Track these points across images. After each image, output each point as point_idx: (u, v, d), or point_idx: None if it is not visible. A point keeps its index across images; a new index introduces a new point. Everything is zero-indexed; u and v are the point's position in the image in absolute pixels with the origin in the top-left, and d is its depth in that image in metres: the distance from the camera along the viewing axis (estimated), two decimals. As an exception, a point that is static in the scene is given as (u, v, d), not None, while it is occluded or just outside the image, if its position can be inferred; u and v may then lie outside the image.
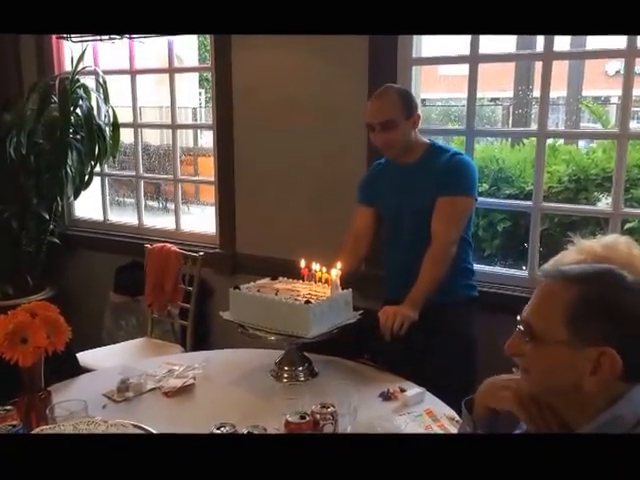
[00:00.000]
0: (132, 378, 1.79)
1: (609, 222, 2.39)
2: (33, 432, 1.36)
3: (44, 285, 3.41)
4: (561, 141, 4.03)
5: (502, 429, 1.18)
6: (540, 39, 2.67)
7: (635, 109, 3.27)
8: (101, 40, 3.25)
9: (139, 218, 3.61)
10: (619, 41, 2.29)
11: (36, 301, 1.88)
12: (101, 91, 3.32)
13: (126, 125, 3.51)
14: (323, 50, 2.68)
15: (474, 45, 2.47)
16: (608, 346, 0.94)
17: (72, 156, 3.21)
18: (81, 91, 3.23)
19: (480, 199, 2.32)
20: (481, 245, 3.31)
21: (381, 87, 2.22)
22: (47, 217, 3.33)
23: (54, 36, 3.49)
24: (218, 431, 1.38)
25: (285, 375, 1.91)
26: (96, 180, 3.52)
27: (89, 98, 3.26)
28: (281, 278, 2.11)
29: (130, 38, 3.20)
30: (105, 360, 2.63)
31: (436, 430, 1.57)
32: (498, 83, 8.38)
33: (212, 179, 3.23)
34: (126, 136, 3.74)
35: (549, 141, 2.83)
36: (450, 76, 7.80)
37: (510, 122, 8.39)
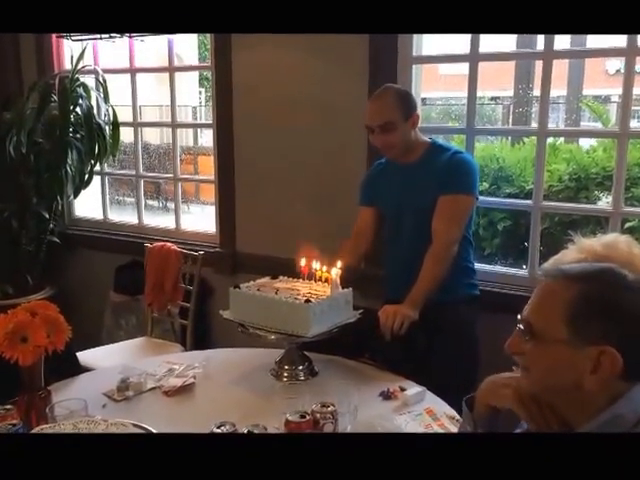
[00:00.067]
0: (132, 377, 1.79)
1: (609, 221, 2.38)
2: (33, 431, 1.36)
3: (44, 284, 3.41)
4: (561, 140, 4.03)
5: (502, 427, 1.18)
6: (540, 38, 2.67)
7: (635, 108, 3.26)
8: (101, 39, 3.24)
9: (139, 217, 3.60)
10: (619, 40, 2.29)
11: (36, 300, 1.87)
12: (101, 90, 3.32)
13: (126, 124, 3.51)
14: (323, 49, 2.68)
15: (474, 44, 2.46)
16: (608, 345, 0.94)
17: (72, 155, 3.21)
18: (81, 90, 3.23)
19: (480, 198, 2.31)
20: (481, 244, 3.31)
21: (380, 88, 2.22)
22: (47, 216, 3.33)
23: (54, 35, 3.49)
24: (218, 430, 1.38)
25: (285, 374, 1.91)
26: (96, 179, 3.51)
27: (89, 97, 3.26)
28: (281, 277, 2.11)
29: (130, 37, 3.20)
30: (105, 359, 2.63)
31: (436, 429, 1.57)
32: (498, 82, 8.38)
33: (212, 178, 3.23)
34: (126, 135, 3.74)
35: (549, 140, 2.83)
36: (450, 75, 7.79)
37: (510, 121, 8.38)
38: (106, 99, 3.31)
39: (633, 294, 0.97)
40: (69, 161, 3.21)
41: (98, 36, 3.18)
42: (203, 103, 10.30)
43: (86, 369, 2.22)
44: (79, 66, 3.26)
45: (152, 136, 6.17)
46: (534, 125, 2.73)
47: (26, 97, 3.21)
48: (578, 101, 8.24)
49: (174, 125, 3.43)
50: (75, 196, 3.45)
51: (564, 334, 0.97)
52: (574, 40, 5.63)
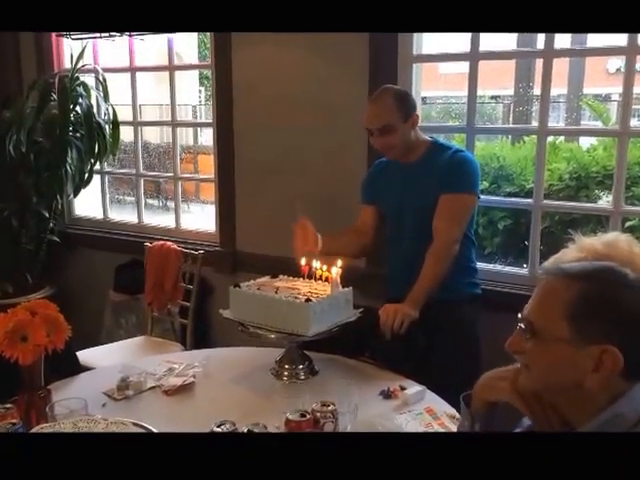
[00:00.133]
0: (132, 376, 1.79)
1: (610, 220, 2.38)
2: (33, 430, 1.35)
3: (44, 283, 3.41)
4: (562, 139, 4.03)
5: (500, 423, 1.18)
6: (541, 36, 2.67)
7: (636, 107, 3.26)
8: (101, 38, 3.24)
9: (139, 216, 3.60)
10: (620, 39, 2.28)
11: (36, 299, 1.87)
12: (101, 89, 3.31)
13: (126, 123, 3.50)
14: (323, 48, 2.67)
15: (474, 43, 2.46)
16: (610, 344, 0.94)
17: (72, 154, 3.20)
18: (81, 89, 3.22)
19: (481, 197, 2.31)
20: (482, 243, 3.31)
21: (378, 89, 2.21)
22: (47, 215, 3.33)
23: (54, 34, 3.49)
24: (218, 429, 1.38)
25: (285, 373, 1.90)
26: (96, 178, 3.51)
27: (89, 96, 3.26)
28: (281, 276, 2.11)
29: (130, 36, 3.20)
30: (105, 358, 2.63)
31: (436, 428, 1.57)
32: (499, 81, 8.37)
33: (212, 177, 3.23)
34: (126, 134, 3.74)
35: (550, 139, 2.83)
36: (450, 74, 7.79)
37: (510, 120, 8.38)
38: (106, 98, 3.31)
39: (634, 293, 0.97)
40: (69, 160, 3.20)
41: (98, 35, 3.18)
42: (203, 102, 10.30)
43: (86, 368, 2.21)
44: (79, 65, 3.26)
45: (152, 135, 6.18)
46: (534, 124, 2.73)
47: (26, 96, 3.21)
48: (578, 100, 8.24)
49: (174, 124, 3.43)
50: (75, 195, 3.45)
51: (565, 333, 0.97)
52: (574, 39, 5.61)
